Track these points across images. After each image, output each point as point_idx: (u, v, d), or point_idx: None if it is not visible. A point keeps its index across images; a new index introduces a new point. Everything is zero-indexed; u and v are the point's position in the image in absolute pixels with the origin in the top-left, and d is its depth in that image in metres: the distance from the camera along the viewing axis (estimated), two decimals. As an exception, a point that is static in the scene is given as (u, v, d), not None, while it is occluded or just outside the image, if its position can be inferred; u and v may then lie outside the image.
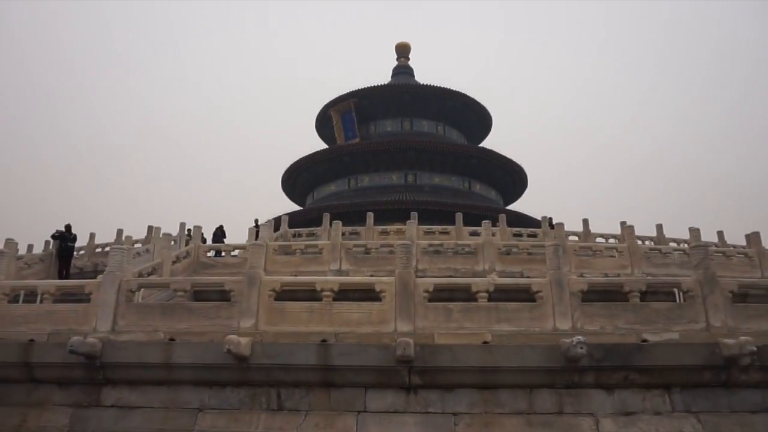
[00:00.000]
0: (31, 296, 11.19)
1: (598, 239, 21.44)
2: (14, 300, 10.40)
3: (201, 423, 8.23)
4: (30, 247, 21.35)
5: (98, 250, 20.59)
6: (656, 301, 9.88)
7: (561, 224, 18.91)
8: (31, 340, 8.92)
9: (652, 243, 21.42)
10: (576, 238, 22.05)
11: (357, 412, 8.18)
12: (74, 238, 17.54)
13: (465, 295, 9.04)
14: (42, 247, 20.89)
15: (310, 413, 8.24)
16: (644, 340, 8.26)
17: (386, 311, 8.58)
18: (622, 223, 19.43)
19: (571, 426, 7.89)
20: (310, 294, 9.45)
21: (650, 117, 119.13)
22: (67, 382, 8.83)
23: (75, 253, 18.62)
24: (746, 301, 8.90)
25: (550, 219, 22.20)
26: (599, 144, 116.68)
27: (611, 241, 21.02)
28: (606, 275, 14.23)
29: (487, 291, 8.71)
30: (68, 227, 17.44)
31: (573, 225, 23.02)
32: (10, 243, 15.06)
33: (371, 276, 11.77)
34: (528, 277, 13.56)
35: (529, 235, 21.42)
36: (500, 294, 9.36)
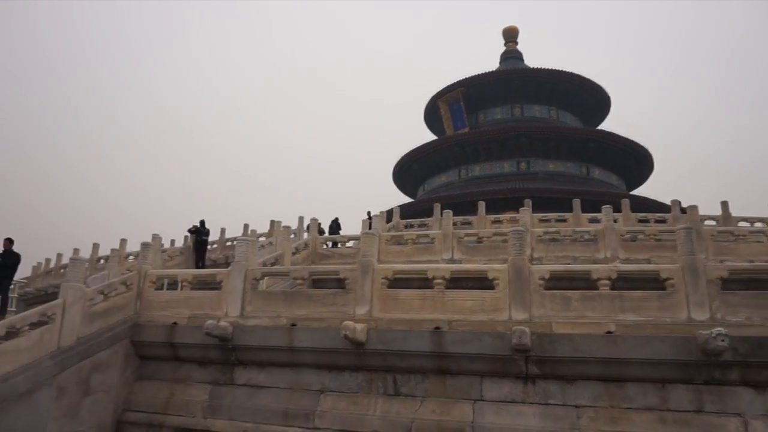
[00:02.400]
0: (172, 285, 12.45)
1: (741, 223, 19.24)
2: (160, 287, 11.61)
3: (323, 404, 8.63)
4: (172, 242, 23.72)
5: (228, 243, 22.34)
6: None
7: (695, 207, 17.19)
8: (174, 323, 9.91)
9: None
10: (713, 223, 19.96)
11: (473, 401, 8.10)
12: (207, 232, 19.17)
13: (584, 283, 8.56)
14: (182, 242, 23.13)
15: (426, 399, 8.30)
16: (801, 333, 7.26)
17: (500, 299, 8.37)
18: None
19: (713, 426, 7.17)
20: (422, 283, 9.50)
21: None
22: (205, 362, 9.71)
23: (209, 246, 20.37)
24: None
25: (679, 202, 20.28)
26: (740, 124, 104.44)
27: (757, 225, 18.78)
28: (752, 262, 12.71)
29: (609, 278, 8.16)
30: (202, 222, 19.11)
31: (708, 209, 20.87)
32: (156, 237, 16.80)
33: (498, 264, 11.53)
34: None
35: (657, 221, 19.74)
36: (625, 283, 8.75)
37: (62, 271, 22.78)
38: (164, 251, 18.93)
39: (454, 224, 20.34)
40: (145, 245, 11.44)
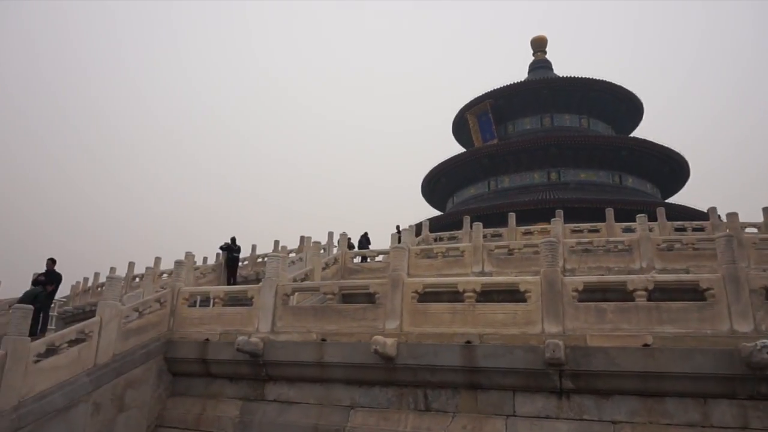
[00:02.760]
0: (205, 301, 12.64)
1: (784, 230, 18.47)
2: (192, 304, 11.80)
3: (353, 420, 8.57)
4: (204, 259, 24.14)
5: (259, 260, 22.59)
6: None
7: (735, 214, 16.59)
8: (206, 339, 10.04)
9: None
10: (755, 230, 19.22)
11: (506, 416, 7.93)
12: (238, 249, 19.45)
13: (619, 295, 8.32)
14: (214, 259, 23.53)
15: (458, 415, 8.16)
16: None
17: (532, 312, 8.21)
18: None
19: (759, 443, 6.84)
20: (452, 296, 9.40)
21: None
22: (236, 377, 9.79)
23: (240, 263, 20.65)
24: None
25: (714, 209, 19.62)
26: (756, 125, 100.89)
27: (802, 231, 17.99)
28: (797, 271, 12.17)
29: (646, 289, 7.92)
30: (233, 239, 19.40)
31: (748, 217, 20.10)
32: (189, 255, 17.13)
33: (530, 276, 11.36)
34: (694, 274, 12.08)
35: (695, 229, 19.14)
36: (662, 294, 8.48)
37: (99, 289, 23.40)
38: (197, 269, 19.27)
39: (484, 236, 20.14)
40: (178, 263, 11.67)
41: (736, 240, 12.90)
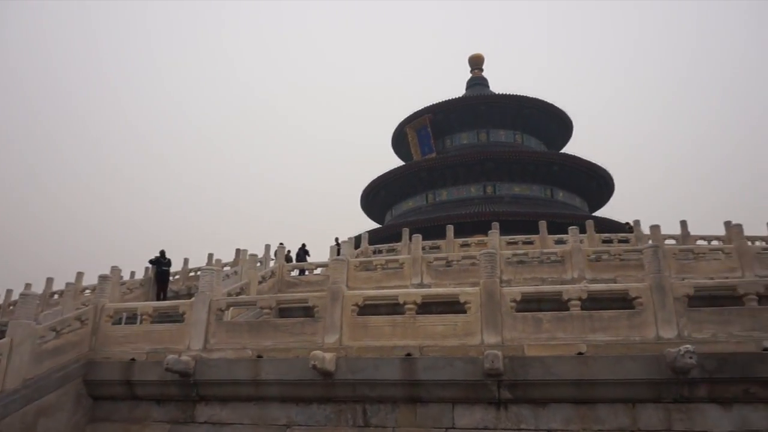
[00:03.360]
0: (132, 319, 11.91)
1: (699, 242, 19.76)
2: (117, 322, 11.08)
3: (290, 439, 8.26)
4: (132, 274, 22.92)
5: (191, 273, 21.70)
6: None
7: (657, 226, 17.60)
8: (132, 359, 9.42)
9: (766, 243, 19.43)
10: (674, 242, 20.45)
11: (445, 429, 7.89)
12: (168, 263, 18.56)
13: (554, 304, 8.53)
14: (143, 273, 22.37)
15: (397, 430, 8.05)
16: (765, 349, 7.35)
17: (471, 323, 8.25)
18: (727, 223, 17.77)
19: (683, 445, 7.14)
20: (391, 309, 9.32)
21: (741, 106, 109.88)
22: (164, 399, 9.22)
23: (171, 277, 19.72)
24: None
25: (637, 221, 20.77)
26: (691, 147, 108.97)
27: (714, 243, 19.30)
28: (712, 279, 12.99)
29: (580, 298, 8.15)
30: (162, 252, 18.50)
31: (667, 229, 21.39)
32: (114, 270, 16.18)
33: (470, 287, 11.45)
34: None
35: (620, 241, 20.14)
36: (593, 303, 8.77)
37: (11, 307, 21.63)
38: (123, 283, 18.24)
39: (423, 248, 20.29)
40: (102, 278, 10.94)
41: (661, 249, 13.62)
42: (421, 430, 7.98)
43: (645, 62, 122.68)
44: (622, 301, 8.44)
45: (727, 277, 13.41)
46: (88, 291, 19.54)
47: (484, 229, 23.40)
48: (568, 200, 45.38)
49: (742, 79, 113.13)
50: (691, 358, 6.94)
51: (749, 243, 19.04)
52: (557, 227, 25.64)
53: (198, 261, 23.08)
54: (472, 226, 33.11)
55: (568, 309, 8.20)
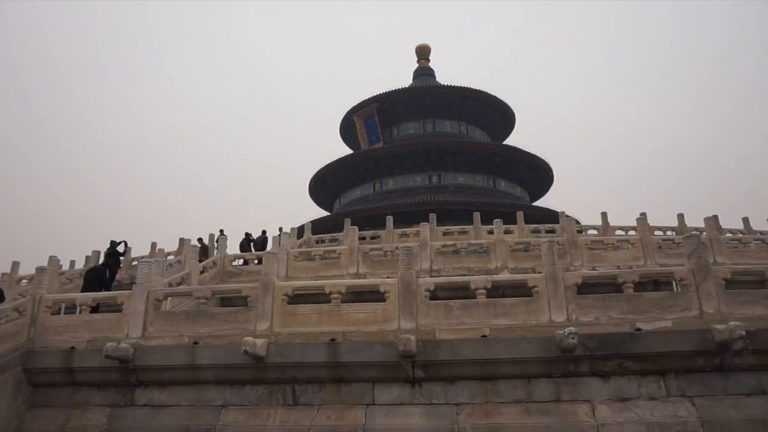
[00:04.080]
0: (72, 308, 12.22)
1: (618, 232, 21.47)
2: (57, 312, 11.40)
3: (224, 418, 8.98)
4: (71, 263, 22.75)
5: (134, 263, 21.77)
6: (659, 291, 10.18)
7: (572, 219, 19.09)
8: (72, 348, 9.85)
9: (674, 233, 21.34)
10: (596, 232, 22.13)
11: (366, 405, 8.79)
12: (115, 258, 18.49)
13: (465, 293, 9.54)
14: (83, 263, 22.26)
15: (323, 407, 8.89)
16: (638, 329, 8.59)
17: (390, 310, 9.15)
18: (640, 217, 19.43)
19: (567, 412, 8.31)
20: (327, 297, 10.11)
21: (668, 104, 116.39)
22: (104, 385, 9.73)
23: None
24: (741, 287, 9.08)
25: (562, 212, 22.34)
26: (622, 134, 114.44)
27: (631, 233, 21.04)
28: (618, 267, 14.44)
29: (485, 288, 9.18)
30: (113, 243, 18.50)
31: (599, 218, 22.98)
32: (53, 260, 16.23)
33: (387, 278, 12.35)
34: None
35: (548, 231, 21.61)
36: (509, 290, 9.86)
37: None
38: (62, 273, 18.24)
39: (364, 238, 21.17)
40: (39, 269, 11.21)
41: (573, 242, 14.97)
42: (345, 407, 8.86)
43: (594, 55, 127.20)
44: (526, 289, 9.55)
45: (631, 266, 14.91)
46: (24, 281, 19.37)
47: (428, 218, 24.49)
48: (510, 190, 47.27)
49: (690, 72, 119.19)
50: (573, 338, 8.09)
51: (660, 233, 20.92)
52: (499, 216, 26.99)
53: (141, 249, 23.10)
54: (417, 214, 34.15)
55: (476, 297, 9.22)
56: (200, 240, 20.78)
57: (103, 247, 18.56)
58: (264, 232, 22.74)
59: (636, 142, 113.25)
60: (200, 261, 16.76)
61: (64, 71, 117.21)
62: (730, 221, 22.06)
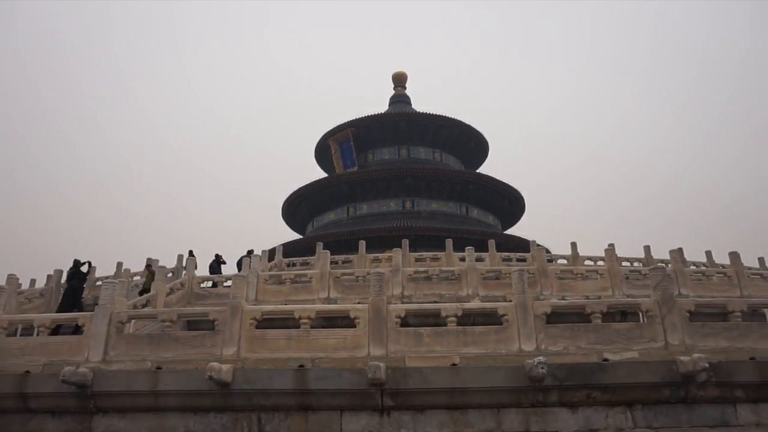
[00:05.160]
0: (29, 329, 11.74)
1: (587, 262, 21.84)
2: (12, 333, 10.93)
3: (185, 447, 8.66)
4: (32, 282, 21.97)
5: (98, 283, 21.14)
6: (625, 321, 10.35)
7: (542, 248, 19.40)
8: (27, 372, 9.42)
9: (641, 264, 21.80)
10: (565, 261, 22.45)
11: (333, 434, 8.60)
12: (82, 276, 17.94)
13: (437, 320, 9.53)
14: (44, 281, 21.51)
15: (289, 436, 8.66)
16: (605, 359, 8.68)
17: (360, 336, 9.06)
18: (608, 248, 19.83)
19: (537, 444, 8.28)
20: (297, 322, 9.95)
21: (644, 121, 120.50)
22: (60, 411, 9.28)
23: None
24: (704, 319, 9.30)
25: (533, 242, 22.70)
26: (592, 154, 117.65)
27: (599, 263, 21.41)
28: (587, 297, 14.63)
29: (456, 315, 9.18)
30: (77, 263, 17.96)
31: (576, 248, 23.31)
32: (11, 279, 15.65)
33: (358, 303, 12.26)
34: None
35: (519, 260, 21.84)
36: (480, 318, 9.88)
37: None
38: (21, 293, 17.58)
39: (336, 263, 21.06)
40: (-3, 288, 10.79)
41: (543, 270, 15.15)
42: (312, 436, 8.65)
43: (563, 74, 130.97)
44: (496, 317, 9.59)
45: (600, 296, 15.14)
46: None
47: (401, 244, 24.52)
48: (482, 218, 47.82)
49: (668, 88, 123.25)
50: (542, 368, 8.10)
51: (627, 264, 21.35)
52: (471, 243, 27.25)
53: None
54: (390, 239, 34.19)
55: (446, 324, 9.21)
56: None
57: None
58: (218, 256, 21.88)
59: (606, 163, 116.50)
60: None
61: (77, 71, 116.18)
62: (695, 248, 22.66)
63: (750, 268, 18.52)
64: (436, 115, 49.82)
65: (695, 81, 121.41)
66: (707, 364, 8.07)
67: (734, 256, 16.88)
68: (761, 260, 22.27)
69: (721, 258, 23.08)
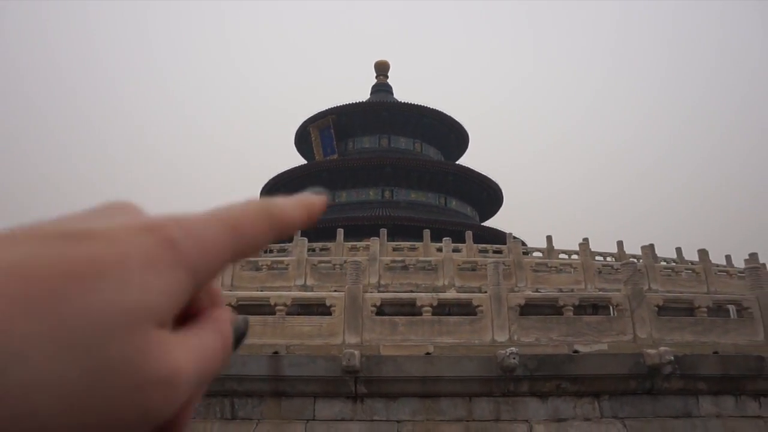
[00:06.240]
0: None
1: (561, 255, 22.16)
2: None
3: (156, 432, 8.61)
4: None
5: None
6: (597, 314, 10.56)
7: (518, 241, 19.63)
8: None
9: (613, 259, 22.20)
10: (540, 254, 22.75)
11: (306, 420, 8.64)
12: None
13: (412, 309, 9.60)
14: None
15: (262, 422, 8.67)
16: (575, 351, 8.87)
17: (336, 324, 9.08)
18: (582, 242, 20.16)
19: (506, 432, 8.45)
20: (271, 309, 9.92)
21: (645, 132, 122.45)
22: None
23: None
24: (672, 314, 9.56)
25: (510, 234, 22.97)
26: (585, 161, 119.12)
27: (573, 257, 21.76)
28: (560, 290, 14.87)
29: (431, 305, 9.26)
30: None
31: (545, 241, 23.71)
32: None
33: (334, 291, 12.27)
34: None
35: (495, 252, 22.06)
36: (455, 308, 9.98)
37: None
38: None
39: (314, 250, 20.99)
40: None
41: (518, 262, 15.35)
42: (285, 422, 8.67)
43: (555, 73, 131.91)
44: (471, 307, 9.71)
45: (573, 289, 15.39)
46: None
47: (380, 233, 24.61)
48: (461, 209, 48.12)
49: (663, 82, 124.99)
50: (514, 359, 8.25)
51: (600, 258, 21.75)
52: (448, 234, 27.37)
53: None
54: (369, 228, 34.17)
55: (421, 314, 9.29)
56: None
57: None
58: None
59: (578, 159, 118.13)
60: None
61: (65, 70, 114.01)
62: (666, 244, 23.16)
63: (717, 265, 19.03)
64: (417, 105, 49.77)
65: (672, 72, 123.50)
66: (673, 357, 8.31)
67: (703, 253, 17.32)
68: (728, 258, 22.89)
69: (691, 255, 23.72)
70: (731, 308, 10.15)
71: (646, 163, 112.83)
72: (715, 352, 8.92)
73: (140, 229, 0.28)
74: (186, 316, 0.32)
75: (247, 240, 0.32)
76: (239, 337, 0.36)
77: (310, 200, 0.39)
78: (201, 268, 0.30)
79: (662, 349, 8.35)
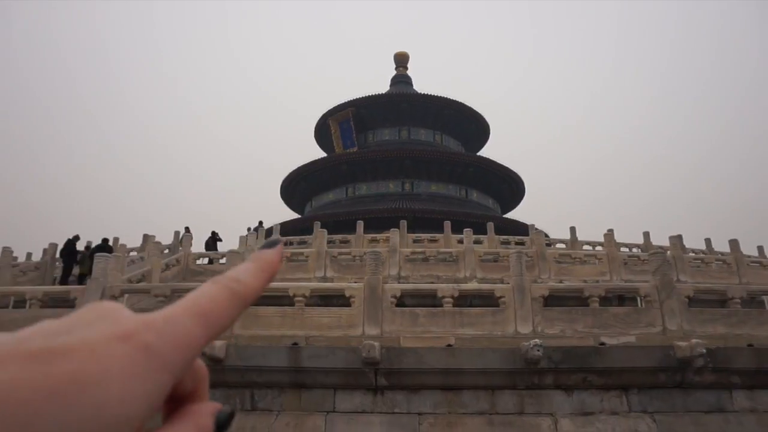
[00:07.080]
0: (22, 302, 11.65)
1: (585, 247, 21.71)
2: (5, 306, 10.83)
3: (177, 423, 8.61)
4: (28, 255, 21.85)
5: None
6: (623, 306, 10.25)
7: (541, 232, 19.29)
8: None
9: (639, 250, 21.68)
10: (564, 246, 22.33)
11: (326, 412, 8.54)
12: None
13: (433, 300, 9.43)
14: (41, 255, 21.38)
15: (282, 413, 8.61)
16: (602, 343, 8.59)
17: (355, 315, 8.96)
18: (607, 233, 19.70)
19: (531, 426, 8.23)
20: (290, 299, 9.85)
21: (659, 119, 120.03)
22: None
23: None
24: (703, 305, 9.21)
25: (532, 225, 22.59)
26: (604, 150, 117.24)
27: (598, 248, 21.30)
28: (585, 281, 14.54)
29: (452, 296, 9.07)
30: (77, 237, 17.90)
31: (568, 232, 23.25)
32: (6, 251, 15.52)
33: (354, 283, 12.16)
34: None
35: (517, 243, 21.72)
36: (477, 300, 9.78)
37: None
38: (16, 266, 17.47)
39: (333, 242, 20.93)
40: (-11, 260, 10.66)
41: (541, 254, 15.05)
42: (305, 414, 8.59)
43: (575, 66, 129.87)
44: (492, 299, 9.49)
45: (598, 280, 15.04)
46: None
47: (400, 225, 24.41)
48: (482, 200, 47.63)
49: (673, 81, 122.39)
50: (538, 351, 8.02)
51: (626, 249, 21.24)
52: (470, 225, 27.07)
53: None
54: (389, 221, 34.00)
55: (442, 305, 9.11)
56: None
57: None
58: (214, 233, 21.98)
59: (622, 156, 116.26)
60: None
61: (72, 70, 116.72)
62: (721, 240, 22.60)
63: (749, 256, 18.42)
64: (437, 96, 49.32)
65: (677, 67, 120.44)
66: (705, 350, 7.99)
67: (734, 243, 16.76)
68: (760, 249, 22.18)
69: (721, 246, 23.02)
70: (766, 299, 9.75)
71: (655, 151, 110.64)
72: (750, 345, 8.56)
73: (117, 339, 0.32)
74: (170, 399, 0.35)
75: (216, 323, 0.36)
76: (220, 429, 0.37)
77: (267, 259, 0.40)
78: (177, 362, 0.33)
79: (694, 341, 8.03)
